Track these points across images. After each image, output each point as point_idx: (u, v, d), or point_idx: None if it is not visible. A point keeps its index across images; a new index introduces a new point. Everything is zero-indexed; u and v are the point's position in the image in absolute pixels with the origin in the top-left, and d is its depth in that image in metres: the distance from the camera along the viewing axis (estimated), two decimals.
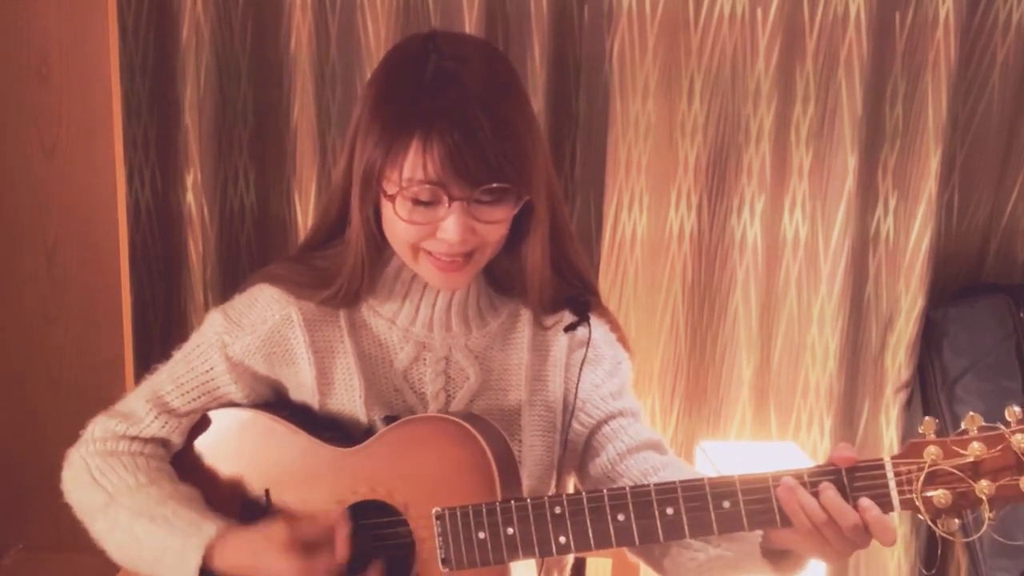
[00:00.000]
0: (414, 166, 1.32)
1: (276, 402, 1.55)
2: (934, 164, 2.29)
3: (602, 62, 2.31)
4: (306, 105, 2.34)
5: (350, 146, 1.43)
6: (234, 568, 1.37)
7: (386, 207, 1.39)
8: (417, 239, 1.39)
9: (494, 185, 1.34)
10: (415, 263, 1.43)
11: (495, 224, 1.39)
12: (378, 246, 1.46)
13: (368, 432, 1.44)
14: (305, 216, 2.38)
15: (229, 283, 2.39)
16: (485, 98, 1.33)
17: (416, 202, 1.35)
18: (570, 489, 1.67)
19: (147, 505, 1.41)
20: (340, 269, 1.47)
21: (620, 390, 1.58)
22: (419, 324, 1.51)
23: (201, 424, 1.52)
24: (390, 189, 1.35)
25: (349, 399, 1.49)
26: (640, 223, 2.37)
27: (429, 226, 1.37)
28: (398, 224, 1.38)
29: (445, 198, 1.33)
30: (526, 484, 1.50)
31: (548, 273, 1.50)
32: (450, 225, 1.35)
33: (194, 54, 2.31)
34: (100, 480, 1.46)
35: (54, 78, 2.13)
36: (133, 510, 1.42)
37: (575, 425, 1.54)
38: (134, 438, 1.49)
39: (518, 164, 1.34)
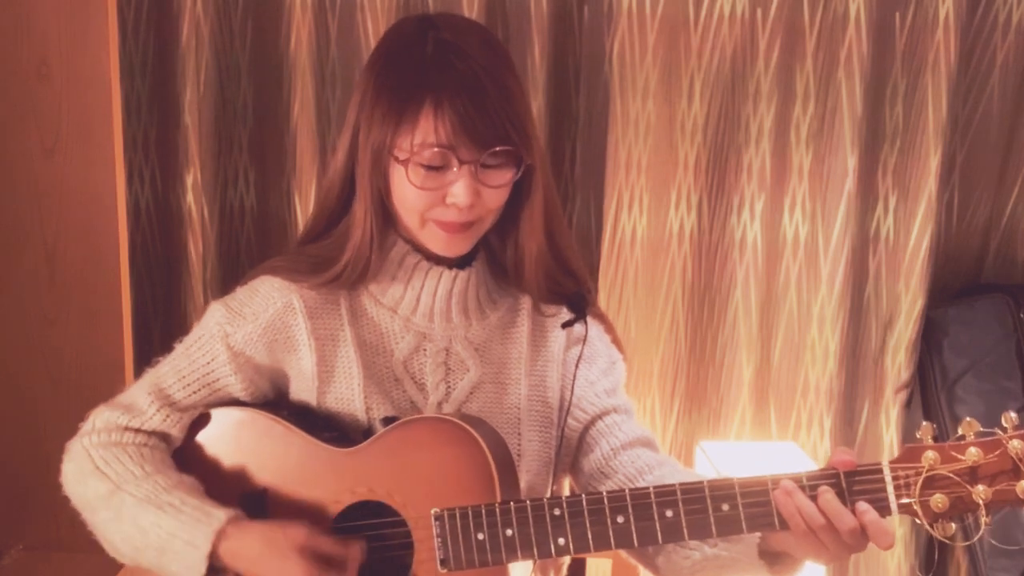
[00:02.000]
0: (426, 131, 1.37)
1: (275, 402, 1.56)
2: (934, 164, 2.29)
3: (602, 62, 2.31)
4: (306, 105, 2.34)
5: (352, 128, 1.47)
6: (242, 554, 1.37)
7: (397, 175, 1.42)
8: (427, 207, 1.43)
9: (499, 148, 1.39)
10: (421, 231, 1.47)
11: (499, 188, 1.44)
12: (386, 221, 1.49)
13: (367, 433, 1.44)
14: (305, 216, 2.37)
15: (229, 283, 2.34)
16: (487, 66, 1.39)
17: (427, 168, 1.39)
18: (566, 488, 1.67)
19: (154, 493, 1.41)
20: (342, 249, 1.49)
21: (614, 388, 1.61)
22: (420, 314, 1.52)
23: (200, 423, 1.53)
24: (402, 156, 1.40)
25: (348, 388, 1.50)
26: (640, 223, 2.37)
27: (439, 192, 1.41)
28: (409, 191, 1.42)
29: (455, 161, 1.38)
30: (524, 480, 1.51)
31: (545, 248, 1.53)
32: (459, 189, 1.40)
33: (194, 54, 2.31)
34: (104, 469, 1.46)
35: (54, 78, 2.13)
36: (139, 498, 1.41)
37: (569, 421, 1.56)
38: (137, 430, 1.50)
39: (520, 128, 1.40)
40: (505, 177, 1.43)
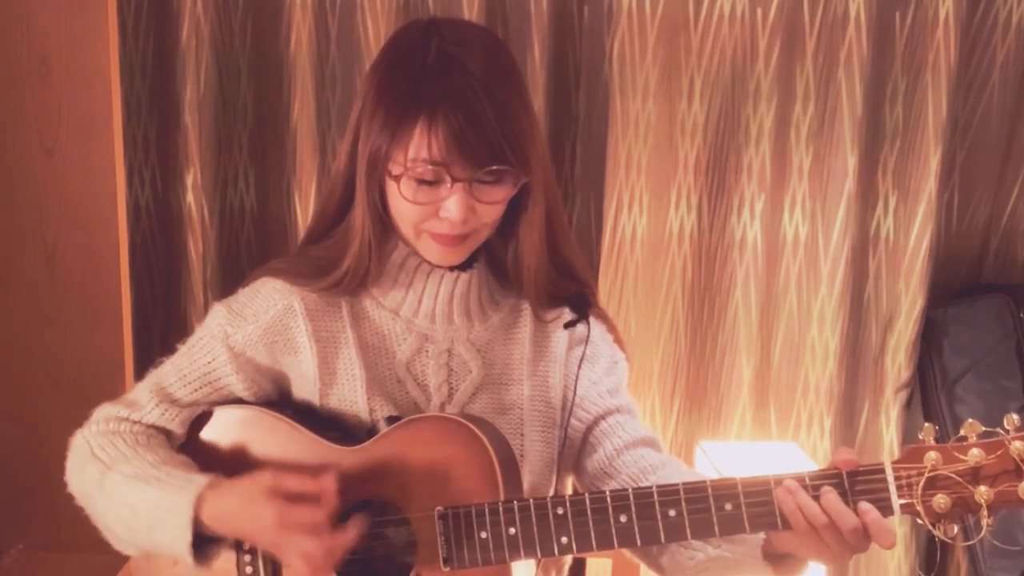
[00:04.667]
0: (419, 147, 1.36)
1: (279, 400, 1.55)
2: (934, 164, 2.29)
3: (602, 62, 2.31)
4: (306, 105, 2.34)
5: (353, 132, 1.46)
6: (222, 514, 1.35)
7: (391, 188, 1.42)
8: (420, 219, 1.42)
9: (494, 167, 1.37)
10: (416, 242, 1.47)
11: (494, 204, 1.43)
12: (384, 229, 1.48)
13: (371, 432, 1.44)
14: (305, 216, 2.38)
15: (229, 283, 2.38)
16: (487, 82, 1.37)
17: (420, 182, 1.38)
18: (569, 487, 1.67)
19: (141, 469, 1.41)
20: (343, 255, 1.49)
21: (617, 387, 1.60)
22: (422, 315, 1.52)
23: (204, 421, 1.53)
24: (395, 170, 1.39)
25: (351, 390, 1.50)
26: (640, 223, 2.37)
27: (432, 206, 1.40)
28: (402, 205, 1.41)
29: (448, 178, 1.37)
30: (527, 480, 1.51)
31: (545, 260, 1.52)
32: (452, 205, 1.38)
33: (194, 54, 2.31)
34: (99, 454, 1.45)
35: (54, 78, 2.12)
36: (128, 475, 1.41)
37: (572, 421, 1.56)
38: (136, 422, 1.50)
39: (518, 147, 1.38)
40: (501, 194, 1.42)
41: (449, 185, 1.38)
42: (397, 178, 1.39)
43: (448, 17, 1.51)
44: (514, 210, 1.48)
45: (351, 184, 1.48)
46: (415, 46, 1.41)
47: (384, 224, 1.48)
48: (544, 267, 1.52)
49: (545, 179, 1.48)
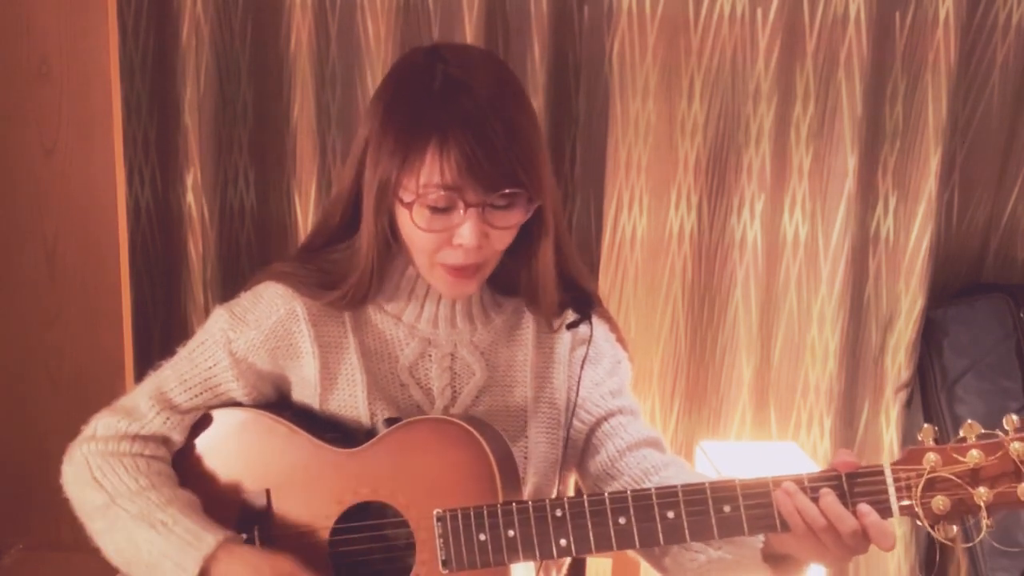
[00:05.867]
0: (431, 172, 1.34)
1: (278, 403, 1.55)
2: (934, 164, 2.29)
3: (602, 62, 2.31)
4: (306, 105, 2.34)
5: (358, 160, 1.45)
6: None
7: (403, 217, 1.40)
8: (434, 248, 1.41)
9: (507, 190, 1.36)
10: (429, 273, 1.45)
11: (507, 230, 1.41)
12: (389, 254, 1.48)
13: (369, 434, 1.44)
14: (305, 216, 2.38)
15: (229, 283, 2.39)
16: (496, 104, 1.36)
17: (433, 210, 1.37)
18: (571, 486, 1.67)
19: (147, 510, 1.41)
20: (348, 273, 1.48)
21: (620, 388, 1.60)
22: (424, 320, 1.52)
23: (203, 423, 1.53)
24: (407, 197, 1.37)
25: (351, 395, 1.50)
26: (640, 223, 2.37)
27: (445, 233, 1.38)
28: (416, 233, 1.40)
29: (461, 204, 1.35)
30: (531, 482, 1.51)
31: (557, 281, 1.52)
32: (466, 231, 1.36)
33: (194, 54, 2.31)
34: (101, 480, 1.46)
35: (54, 78, 2.13)
36: (133, 513, 1.42)
37: (575, 422, 1.55)
38: (135, 437, 1.49)
39: (530, 169, 1.37)
40: (514, 218, 1.41)
41: (462, 211, 1.36)
42: (409, 205, 1.37)
43: (450, 43, 1.50)
44: (524, 235, 1.47)
45: (352, 210, 1.48)
46: (420, 72, 1.40)
47: (391, 250, 1.47)
48: (556, 285, 1.52)
49: (554, 201, 1.48)
